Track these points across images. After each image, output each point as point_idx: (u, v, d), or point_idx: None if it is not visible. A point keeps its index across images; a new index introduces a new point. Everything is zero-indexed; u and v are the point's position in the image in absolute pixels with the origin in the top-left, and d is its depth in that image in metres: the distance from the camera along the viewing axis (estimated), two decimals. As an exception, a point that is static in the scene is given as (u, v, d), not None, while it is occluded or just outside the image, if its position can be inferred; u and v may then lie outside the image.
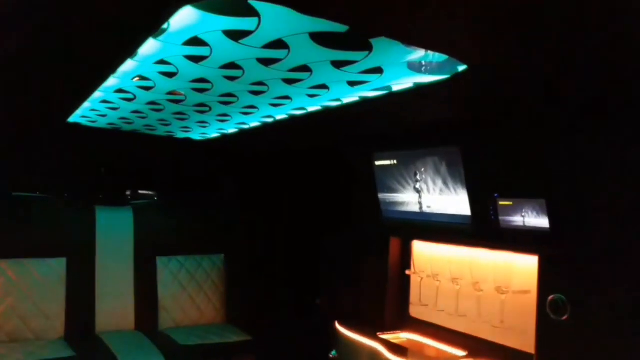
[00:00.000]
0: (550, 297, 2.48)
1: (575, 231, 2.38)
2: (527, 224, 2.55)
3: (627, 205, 2.26)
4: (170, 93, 2.74)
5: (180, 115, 3.35)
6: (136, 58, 2.18)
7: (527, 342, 2.69)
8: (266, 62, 2.10)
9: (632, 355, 2.22)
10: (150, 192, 5.07)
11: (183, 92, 2.73)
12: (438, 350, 3.23)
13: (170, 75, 2.41)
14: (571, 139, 2.39)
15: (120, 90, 2.81)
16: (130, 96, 2.92)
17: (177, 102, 2.94)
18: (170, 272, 4.58)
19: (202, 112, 3.20)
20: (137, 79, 2.61)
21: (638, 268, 2.26)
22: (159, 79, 2.51)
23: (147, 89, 2.72)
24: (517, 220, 2.60)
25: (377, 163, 3.52)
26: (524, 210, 2.56)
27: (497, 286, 2.88)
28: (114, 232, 4.45)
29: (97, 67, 2.36)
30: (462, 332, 3.18)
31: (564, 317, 2.42)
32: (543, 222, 2.48)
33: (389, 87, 2.47)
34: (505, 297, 2.85)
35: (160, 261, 4.56)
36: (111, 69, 2.36)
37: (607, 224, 2.30)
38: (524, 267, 2.79)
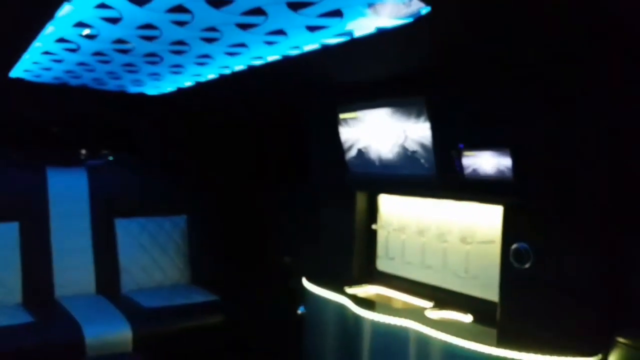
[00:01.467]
0: (514, 246, 2.48)
1: (538, 181, 2.36)
2: (491, 174, 2.52)
3: (590, 154, 2.24)
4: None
5: (130, 67, 3.14)
6: (74, 2, 1.98)
7: (491, 291, 2.72)
8: (216, 3, 1.94)
9: (592, 302, 2.27)
10: (106, 152, 4.84)
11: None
12: (405, 302, 3.25)
13: (113, 20, 2.22)
14: (535, 88, 2.33)
15: (61, 40, 2.59)
16: (73, 46, 2.71)
17: (124, 51, 2.74)
18: (131, 234, 4.44)
19: (153, 63, 3.00)
20: (87, 32, 2.41)
21: (598, 217, 2.27)
22: (102, 25, 2.31)
23: (91, 37, 2.51)
24: (482, 170, 2.56)
25: (342, 116, 3.41)
26: (488, 161, 2.52)
27: (462, 237, 2.88)
28: (68, 193, 4.26)
29: (32, 12, 2.15)
30: (428, 283, 3.20)
31: (527, 266, 2.43)
32: (507, 172, 2.44)
33: (350, 33, 2.34)
34: (470, 247, 2.85)
35: (120, 223, 4.42)
36: (47, 13, 2.15)
37: (569, 173, 2.28)
38: (488, 217, 2.78)
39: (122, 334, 3.63)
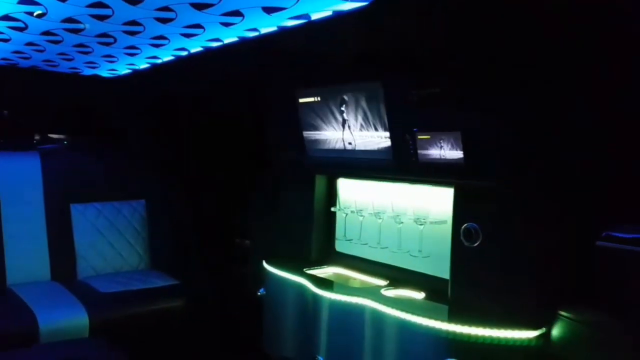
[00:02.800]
0: (464, 226, 2.58)
1: (487, 162, 2.46)
2: (443, 156, 2.60)
3: (536, 136, 2.34)
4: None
5: (83, 48, 3.06)
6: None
7: (443, 269, 2.81)
8: (169, -18, 1.92)
9: (536, 278, 2.38)
10: (60, 136, 4.70)
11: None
12: (362, 281, 3.33)
13: (62, -2, 2.16)
14: (486, 72, 2.41)
15: (6, 18, 2.49)
16: (20, 24, 2.61)
17: (75, 31, 2.67)
18: (87, 219, 4.35)
19: (106, 44, 2.93)
20: (38, 12, 2.33)
21: (542, 196, 2.38)
22: (50, 3, 2.24)
23: (39, 15, 2.43)
24: (435, 153, 2.64)
25: (301, 100, 3.43)
26: (441, 144, 2.60)
27: (416, 218, 2.96)
28: (20, 179, 4.12)
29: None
30: (384, 262, 3.28)
31: (476, 244, 2.53)
32: (458, 154, 2.53)
33: (307, 16, 2.36)
34: (423, 227, 2.94)
35: (75, 209, 4.32)
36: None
37: (516, 155, 2.38)
38: (441, 198, 2.87)
39: (78, 319, 3.57)
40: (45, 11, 2.35)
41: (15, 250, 4.04)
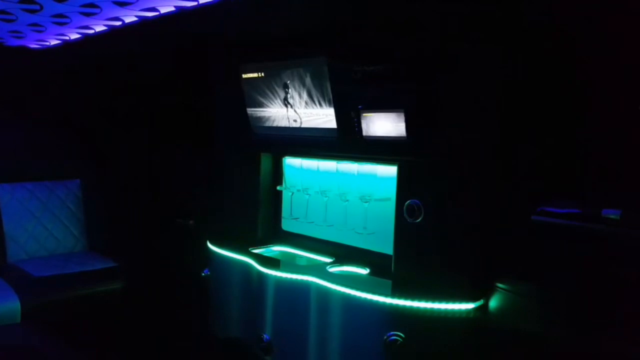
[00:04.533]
0: (407, 203, 2.61)
1: (429, 140, 2.49)
2: (387, 134, 2.61)
3: (476, 113, 2.39)
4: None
5: (5, 15, 2.82)
6: None
7: (387, 245, 2.85)
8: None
9: (474, 252, 2.45)
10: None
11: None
12: (308, 259, 3.32)
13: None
14: (428, 48, 2.42)
15: None
16: None
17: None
18: (17, 200, 4.11)
19: (31, 12, 2.71)
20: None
21: (479, 170, 2.43)
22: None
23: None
24: (379, 131, 2.64)
25: (244, 76, 3.34)
26: (385, 121, 2.60)
27: (362, 196, 2.97)
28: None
29: None
30: (330, 240, 3.29)
31: (418, 220, 2.57)
32: (402, 132, 2.54)
33: (248, -13, 2.27)
34: (368, 205, 2.96)
35: (3, 189, 4.06)
36: None
37: (455, 133, 2.42)
38: (385, 176, 2.89)
39: (8, 304, 3.39)
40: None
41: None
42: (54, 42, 3.52)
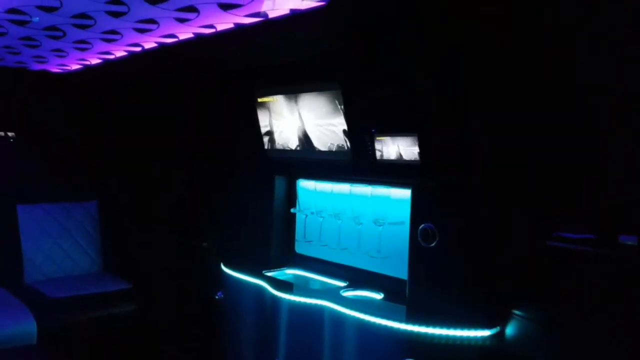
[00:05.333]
0: (421, 227, 2.59)
1: (443, 164, 2.49)
2: (401, 158, 2.62)
3: (491, 138, 2.39)
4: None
5: (30, 42, 2.92)
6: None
7: (401, 269, 2.83)
8: (120, -26, 1.84)
9: (490, 278, 2.42)
10: (8, 133, 4.47)
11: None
12: (322, 282, 3.31)
13: (5, -13, 2.05)
14: (440, 74, 2.44)
15: (-55, 7, 2.34)
16: (-40, 15, 2.47)
17: (21, 23, 2.53)
18: (35, 221, 4.16)
19: (55, 38, 2.80)
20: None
21: (495, 195, 2.42)
22: (-8, -8, 2.12)
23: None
24: (393, 154, 2.65)
25: (260, 99, 3.38)
26: (398, 145, 2.61)
27: (375, 219, 2.97)
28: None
29: None
30: (343, 264, 3.28)
31: (432, 244, 2.55)
32: (415, 156, 2.55)
33: (264, 14, 2.32)
34: (382, 228, 2.95)
35: (22, 210, 4.12)
36: None
37: (471, 157, 2.42)
38: (399, 199, 2.89)
39: (25, 326, 3.41)
40: (-13, 1, 2.22)
41: (-43, 254, 3.83)
42: (75, 66, 3.61)
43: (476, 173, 2.41)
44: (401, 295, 2.75)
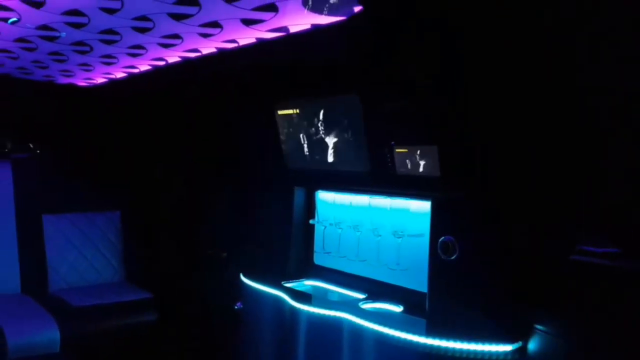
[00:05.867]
0: (441, 239, 2.58)
1: (464, 176, 2.48)
2: (420, 170, 2.62)
3: (513, 149, 2.37)
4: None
5: (58, 56, 3.01)
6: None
7: (421, 282, 2.81)
8: (147, -9, 1.90)
9: (512, 292, 2.39)
10: (33, 145, 4.59)
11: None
12: (340, 294, 3.30)
13: (37, 5, 2.12)
14: (459, 88, 2.44)
15: (-21, 24, 2.44)
16: (-8, 31, 2.56)
17: (50, 38, 2.62)
18: (60, 231, 4.25)
19: (82, 53, 2.89)
20: (13, 19, 2.28)
21: (521, 209, 2.40)
22: (24, 9, 2.19)
23: (13, 22, 2.38)
24: (412, 166, 2.65)
25: (279, 112, 3.42)
26: (418, 157, 2.62)
27: (394, 231, 2.97)
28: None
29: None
30: (362, 276, 3.27)
31: (453, 257, 2.54)
32: (435, 168, 2.55)
33: (286, 29, 2.36)
34: (401, 240, 2.94)
35: (47, 220, 4.21)
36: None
37: (493, 169, 2.40)
38: (418, 211, 2.88)
39: (48, 334, 3.47)
40: (18, 18, 2.30)
41: (-16, 263, 3.92)
42: (100, 80, 3.70)
43: (498, 185, 2.39)
44: (421, 308, 2.73)
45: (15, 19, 2.31)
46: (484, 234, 2.45)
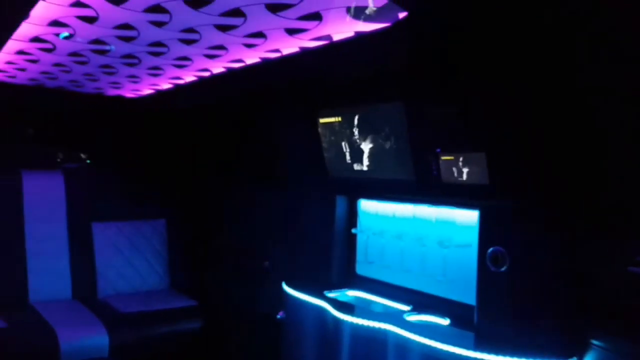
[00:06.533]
0: (490, 250, 2.50)
1: (514, 184, 2.39)
2: (467, 178, 2.55)
3: (563, 157, 2.28)
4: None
5: (108, 69, 3.11)
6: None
7: (468, 294, 2.73)
8: (194, 3, 1.93)
9: (567, 305, 2.29)
10: (83, 155, 4.77)
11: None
12: (384, 305, 3.25)
13: (90, 20, 2.19)
14: (508, 92, 2.36)
15: (36, 39, 2.55)
16: (49, 46, 2.67)
17: (101, 52, 2.71)
18: (108, 238, 4.38)
19: (131, 65, 2.97)
20: (65, 34, 2.38)
21: (575, 218, 2.30)
22: (78, 25, 2.28)
23: (67, 37, 2.47)
24: (459, 174, 2.59)
25: (322, 120, 3.42)
26: (465, 165, 2.55)
27: (440, 241, 2.90)
28: (44, 197, 4.18)
29: (6, 9, 2.11)
30: (406, 287, 3.21)
31: (503, 269, 2.45)
32: (483, 175, 2.47)
33: (329, 37, 2.35)
34: (448, 251, 2.87)
35: (97, 227, 4.35)
36: (22, 11, 2.11)
37: (544, 177, 2.31)
38: (465, 221, 2.80)
39: (98, 339, 3.57)
40: (72, 33, 2.39)
41: (38, 268, 4.07)
42: (147, 91, 3.80)
43: (553, 195, 2.30)
44: (469, 321, 2.65)
45: (67, 33, 2.39)
46: (536, 245, 2.35)
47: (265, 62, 2.74)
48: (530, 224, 2.37)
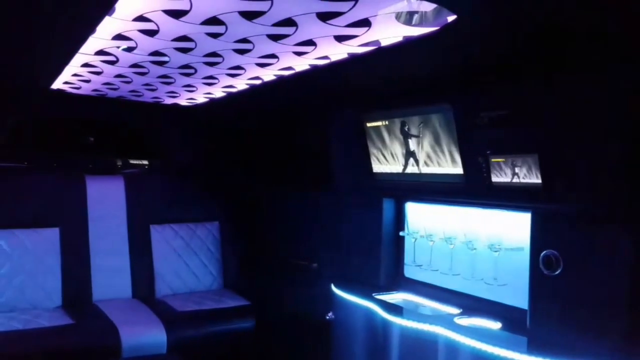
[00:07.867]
0: (543, 253, 2.46)
1: (567, 186, 2.35)
2: (519, 180, 2.52)
3: (618, 160, 2.21)
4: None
5: (166, 79, 3.27)
6: (114, 14, 2.09)
7: (520, 298, 2.69)
8: (249, 15, 2.02)
9: (623, 309, 2.22)
10: (142, 162, 5.02)
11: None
12: (433, 308, 3.24)
13: (151, 33, 2.33)
14: (563, 93, 2.32)
15: (101, 52, 2.72)
16: (112, 59, 2.84)
17: (160, 63, 2.86)
18: (165, 240, 4.57)
19: (187, 75, 3.12)
20: (126, 46, 2.53)
21: (629, 221, 2.23)
22: (140, 38, 2.42)
23: (129, 49, 2.63)
24: (510, 176, 2.56)
25: (368, 124, 3.46)
26: (516, 166, 2.52)
27: (490, 244, 2.87)
28: (106, 201, 4.42)
29: (75, 25, 2.28)
30: (456, 290, 3.19)
31: (557, 273, 2.41)
32: (535, 177, 2.44)
33: (377, 42, 2.39)
34: (498, 254, 2.84)
35: (154, 229, 4.55)
36: (88, 26, 2.27)
37: (599, 179, 2.25)
38: (516, 223, 2.77)
39: (157, 337, 3.74)
40: (134, 45, 2.54)
41: (101, 268, 4.30)
42: (201, 100, 3.96)
43: (610, 197, 2.23)
44: (520, 326, 2.62)
45: (125, 46, 2.55)
46: (592, 248, 2.29)
47: (315, 68, 2.81)
48: (585, 228, 2.31)
